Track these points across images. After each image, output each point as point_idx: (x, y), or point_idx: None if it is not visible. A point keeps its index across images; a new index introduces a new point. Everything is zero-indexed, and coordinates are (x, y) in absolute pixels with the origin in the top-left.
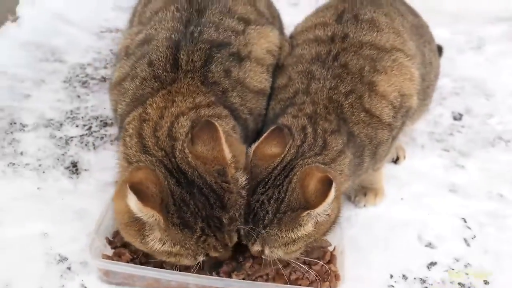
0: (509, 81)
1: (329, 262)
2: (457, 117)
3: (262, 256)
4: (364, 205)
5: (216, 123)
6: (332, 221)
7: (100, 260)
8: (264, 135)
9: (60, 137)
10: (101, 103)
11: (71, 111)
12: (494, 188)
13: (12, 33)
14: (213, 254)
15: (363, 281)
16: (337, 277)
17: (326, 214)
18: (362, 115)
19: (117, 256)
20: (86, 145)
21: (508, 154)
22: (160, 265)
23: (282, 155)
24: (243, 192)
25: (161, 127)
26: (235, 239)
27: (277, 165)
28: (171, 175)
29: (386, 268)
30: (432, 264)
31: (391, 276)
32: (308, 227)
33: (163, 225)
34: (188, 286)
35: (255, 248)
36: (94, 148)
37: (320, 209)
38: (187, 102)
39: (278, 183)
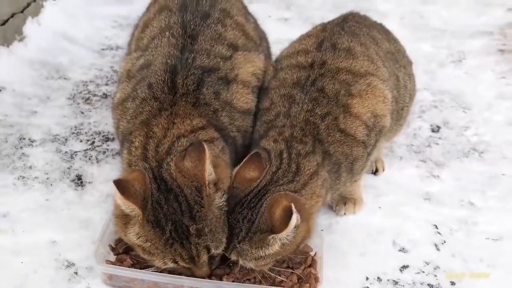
0: (486, 94)
1: (310, 265)
2: (435, 129)
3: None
4: (344, 213)
5: (205, 146)
6: (299, 242)
7: (104, 265)
8: (244, 160)
9: (66, 152)
10: (103, 119)
11: (75, 126)
12: (466, 196)
13: (19, 52)
14: (181, 262)
15: (341, 282)
16: (316, 279)
17: (290, 238)
18: (337, 135)
19: (120, 262)
20: (89, 159)
21: (480, 164)
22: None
23: (258, 180)
24: (217, 212)
25: (163, 144)
26: (203, 256)
27: (253, 189)
28: (154, 180)
29: (362, 271)
30: (405, 267)
31: (367, 278)
32: (274, 248)
33: (140, 220)
34: None
35: (233, 257)
36: (97, 161)
37: (283, 234)
38: (185, 125)
39: (252, 205)
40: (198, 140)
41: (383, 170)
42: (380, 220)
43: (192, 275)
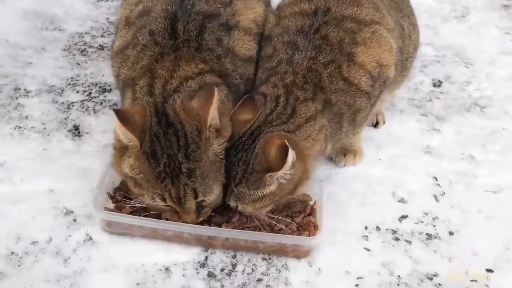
0: (489, 49)
1: (309, 214)
2: (437, 84)
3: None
4: (344, 165)
5: (215, 90)
6: (296, 183)
7: (103, 212)
8: (238, 103)
9: (62, 102)
10: (99, 70)
11: (72, 77)
12: (466, 150)
13: (13, 2)
14: (168, 201)
15: (340, 231)
16: (315, 227)
17: (287, 177)
18: (340, 84)
19: (118, 209)
20: (86, 109)
21: (482, 119)
22: (157, 216)
23: (252, 122)
24: (212, 157)
25: (171, 84)
26: (190, 199)
27: (247, 131)
28: (156, 114)
29: (361, 221)
30: (403, 217)
31: (366, 228)
32: (271, 187)
33: (137, 152)
34: (183, 235)
35: (232, 203)
36: (94, 112)
37: (280, 173)
38: (192, 67)
39: (246, 147)
40: (210, 83)
41: (384, 123)
42: (380, 171)
43: (180, 220)
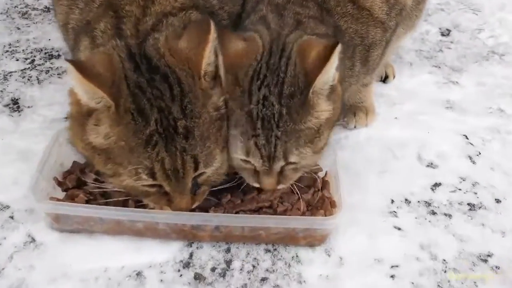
0: None
1: (321, 188)
2: (445, 33)
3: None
4: (354, 126)
5: (213, 25)
6: (335, 115)
7: (48, 203)
8: (218, 42)
9: None
10: (45, 34)
11: (10, 44)
12: (493, 103)
13: None
14: (160, 174)
15: (361, 208)
16: (332, 203)
17: (330, 85)
18: (349, 7)
19: (70, 199)
20: (28, 79)
21: (503, 67)
22: (123, 204)
23: (261, 42)
24: (213, 113)
25: (145, 22)
26: (189, 170)
27: (263, 53)
28: (130, 59)
29: (385, 193)
30: (437, 185)
31: (392, 201)
32: (321, 106)
33: (112, 113)
34: (158, 226)
35: (278, 163)
36: (39, 82)
37: (323, 76)
38: (171, 1)
39: (274, 67)
40: (204, 16)
41: (394, 77)
42: (399, 132)
43: (171, 206)
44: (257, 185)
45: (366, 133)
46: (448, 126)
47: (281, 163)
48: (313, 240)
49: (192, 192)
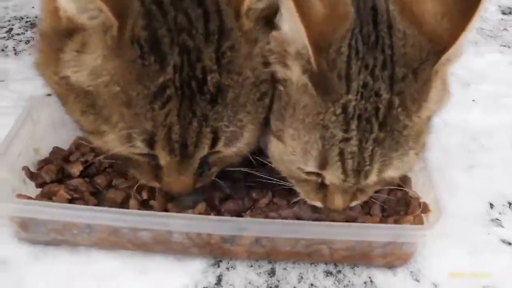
0: None
1: (399, 186)
2: (506, 12)
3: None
4: None
5: None
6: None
7: (12, 202)
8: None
9: None
10: (27, 2)
11: None
12: None
13: None
14: (160, 145)
15: (451, 215)
16: (425, 208)
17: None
18: None
19: (46, 197)
20: (2, 50)
21: None
22: (122, 204)
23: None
24: (258, 67)
25: None
26: (203, 147)
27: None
28: None
29: (480, 195)
30: None
31: (491, 206)
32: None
33: (112, 37)
34: (172, 238)
35: (369, 179)
36: (16, 53)
37: (463, 37)
38: None
39: (372, 40)
40: None
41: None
42: (482, 117)
43: (160, 185)
44: (318, 203)
45: (441, 118)
46: None
47: (373, 178)
48: (395, 258)
49: (197, 173)
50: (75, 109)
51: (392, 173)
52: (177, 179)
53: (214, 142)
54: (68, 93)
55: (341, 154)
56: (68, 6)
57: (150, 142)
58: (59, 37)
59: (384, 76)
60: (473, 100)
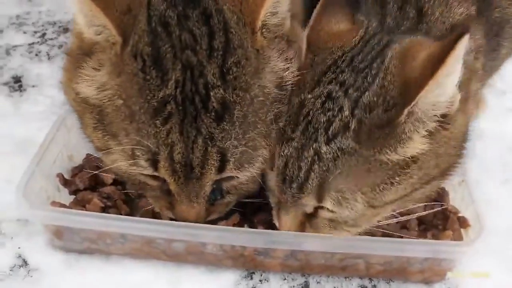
0: None
1: (436, 200)
2: None
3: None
4: None
5: None
6: (459, 143)
7: (46, 210)
8: (317, 8)
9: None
10: (60, 7)
11: (18, 16)
12: None
13: None
14: (163, 165)
15: (489, 230)
16: (463, 222)
17: (448, 105)
18: None
19: (80, 205)
20: (36, 55)
21: None
22: (153, 216)
23: (361, 31)
24: (269, 85)
25: None
26: (209, 170)
27: (358, 42)
28: None
29: None
30: None
31: None
32: (417, 143)
33: (117, 52)
34: (205, 250)
35: (306, 199)
36: (49, 58)
37: (431, 90)
38: None
39: (361, 67)
40: None
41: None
42: None
43: (172, 211)
44: (276, 221)
45: (476, 128)
46: None
47: (311, 201)
48: (432, 274)
49: (210, 201)
50: (88, 125)
51: (330, 204)
52: (187, 207)
53: (223, 164)
54: (83, 110)
55: (281, 154)
56: (78, 19)
57: (154, 162)
58: (82, 56)
59: (353, 97)
60: (510, 110)
